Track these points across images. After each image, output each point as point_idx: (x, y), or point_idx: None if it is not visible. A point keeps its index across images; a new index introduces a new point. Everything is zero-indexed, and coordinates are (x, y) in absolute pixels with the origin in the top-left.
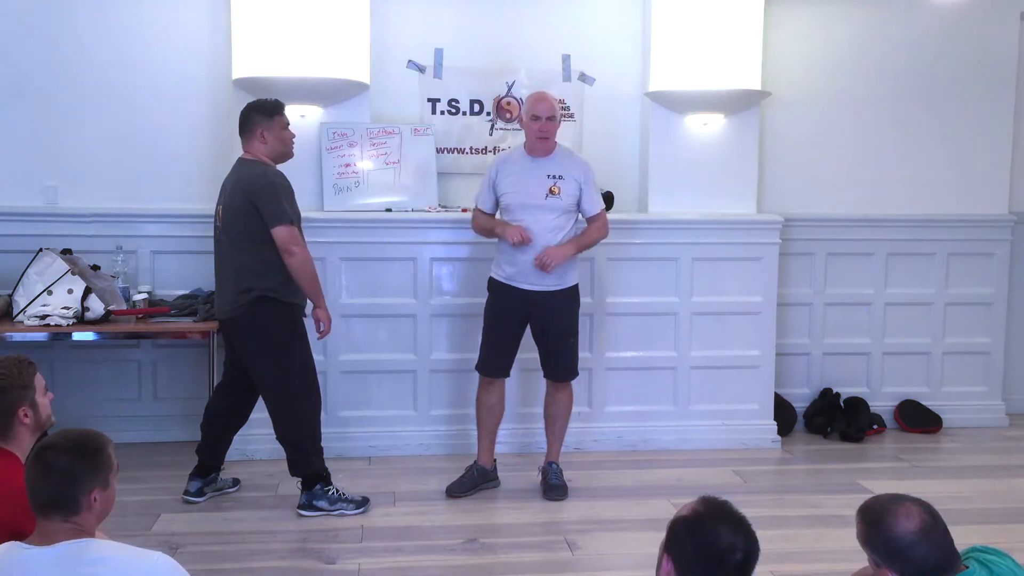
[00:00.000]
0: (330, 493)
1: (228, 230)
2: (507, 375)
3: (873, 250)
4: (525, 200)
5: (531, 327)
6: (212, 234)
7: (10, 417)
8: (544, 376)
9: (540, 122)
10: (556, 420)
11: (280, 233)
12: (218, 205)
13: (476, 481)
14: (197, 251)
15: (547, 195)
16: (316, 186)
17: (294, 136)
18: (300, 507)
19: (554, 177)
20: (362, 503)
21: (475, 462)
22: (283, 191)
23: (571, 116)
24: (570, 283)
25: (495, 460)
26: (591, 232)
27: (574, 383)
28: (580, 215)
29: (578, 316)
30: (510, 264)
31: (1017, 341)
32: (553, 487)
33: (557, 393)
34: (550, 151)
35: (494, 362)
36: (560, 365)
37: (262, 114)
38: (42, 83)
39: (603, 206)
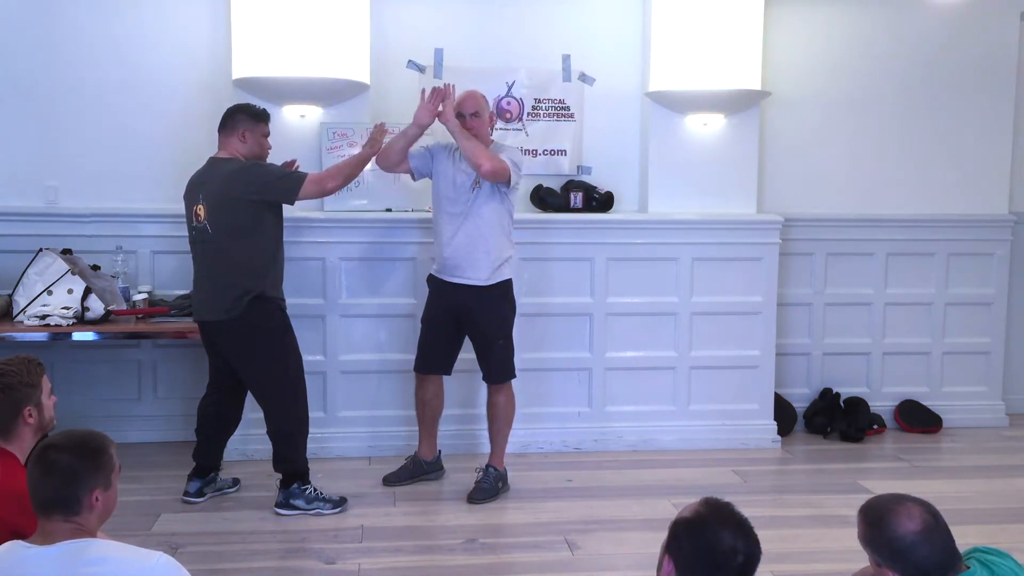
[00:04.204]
0: (307, 492)
1: (217, 227)
2: (441, 372)
3: (873, 250)
4: (449, 192)
5: (462, 325)
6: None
7: (15, 416)
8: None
9: (464, 119)
10: (493, 423)
11: (308, 190)
12: (195, 205)
13: (412, 472)
14: None
15: (473, 186)
16: None
17: (271, 148)
18: (277, 505)
19: None
20: (339, 503)
21: (415, 454)
22: (265, 165)
23: (571, 116)
24: (493, 280)
25: (439, 451)
26: (484, 148)
27: (576, 384)
28: (509, 208)
29: (507, 316)
30: (436, 258)
31: (1017, 341)
32: (476, 488)
33: (492, 395)
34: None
35: (422, 358)
36: (488, 367)
37: (248, 116)
38: (42, 83)
39: (506, 159)
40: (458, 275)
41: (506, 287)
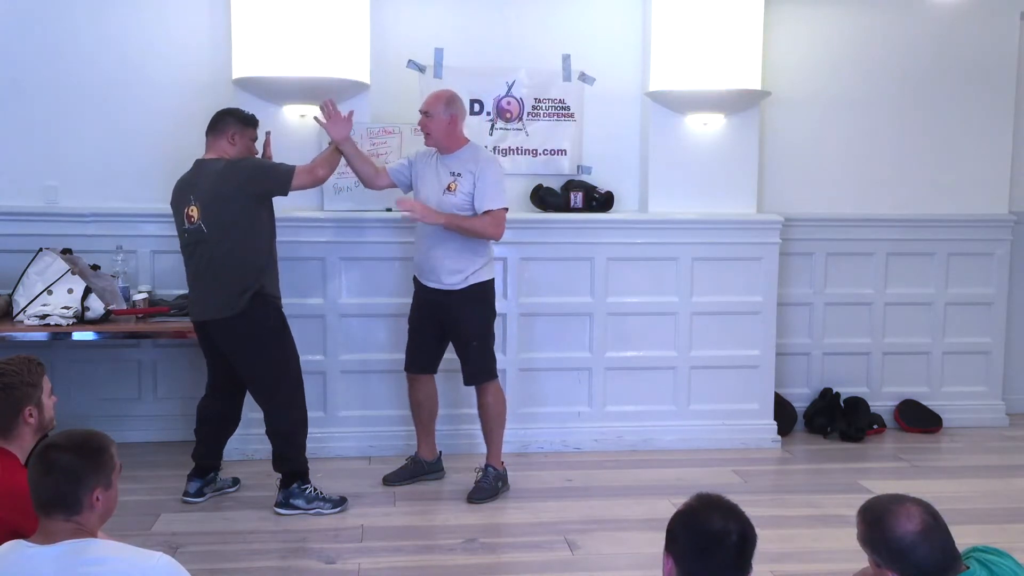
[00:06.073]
0: (307, 492)
1: (212, 226)
2: (428, 371)
3: (873, 250)
4: (427, 194)
5: (444, 325)
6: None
7: (15, 415)
8: None
9: (420, 117)
10: (484, 424)
11: (300, 180)
12: (186, 207)
13: (412, 472)
14: None
15: (444, 191)
16: None
17: (257, 153)
18: (277, 505)
19: (454, 174)
20: (339, 503)
21: (415, 454)
22: (256, 159)
23: (571, 116)
24: (467, 284)
25: (439, 452)
26: (475, 219)
27: (576, 384)
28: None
29: (482, 317)
30: (415, 261)
31: (1017, 341)
32: (476, 488)
33: (480, 397)
34: (448, 148)
35: (409, 358)
36: (465, 368)
37: (237, 120)
38: (42, 83)
39: (498, 205)
40: (433, 280)
41: (484, 288)
